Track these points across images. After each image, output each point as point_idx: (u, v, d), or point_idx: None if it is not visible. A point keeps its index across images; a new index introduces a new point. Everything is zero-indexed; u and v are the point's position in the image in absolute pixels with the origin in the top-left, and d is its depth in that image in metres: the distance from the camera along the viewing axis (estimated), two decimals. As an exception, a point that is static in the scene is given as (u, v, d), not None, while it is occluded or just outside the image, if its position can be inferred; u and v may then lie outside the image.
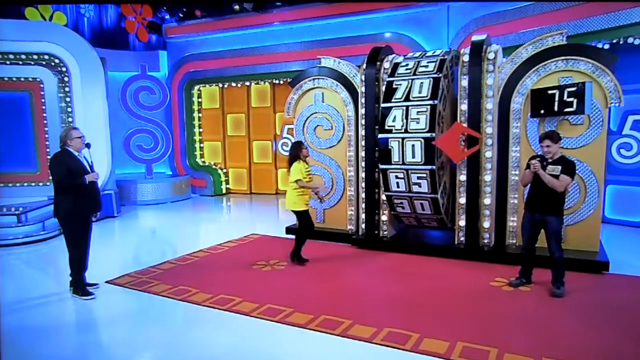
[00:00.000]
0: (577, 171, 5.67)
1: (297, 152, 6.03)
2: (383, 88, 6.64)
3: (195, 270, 6.05)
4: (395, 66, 6.69)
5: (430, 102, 6.12)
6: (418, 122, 6.14)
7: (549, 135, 4.81)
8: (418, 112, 6.17)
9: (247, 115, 13.03)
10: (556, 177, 4.70)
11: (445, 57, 6.46)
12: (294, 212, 6.13)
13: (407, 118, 6.22)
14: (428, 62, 6.47)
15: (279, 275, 5.81)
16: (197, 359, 3.80)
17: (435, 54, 6.70)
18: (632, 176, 7.87)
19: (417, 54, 7.02)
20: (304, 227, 6.21)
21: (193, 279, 5.60)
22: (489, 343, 3.83)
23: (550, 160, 4.80)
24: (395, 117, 6.30)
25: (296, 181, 5.92)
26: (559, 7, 7.70)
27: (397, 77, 6.52)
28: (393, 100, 6.37)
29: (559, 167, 4.72)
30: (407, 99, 6.28)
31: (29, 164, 9.51)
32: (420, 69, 6.43)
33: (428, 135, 6.06)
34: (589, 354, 3.69)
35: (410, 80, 6.38)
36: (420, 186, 6.25)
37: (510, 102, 6.04)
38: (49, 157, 8.05)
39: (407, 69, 6.54)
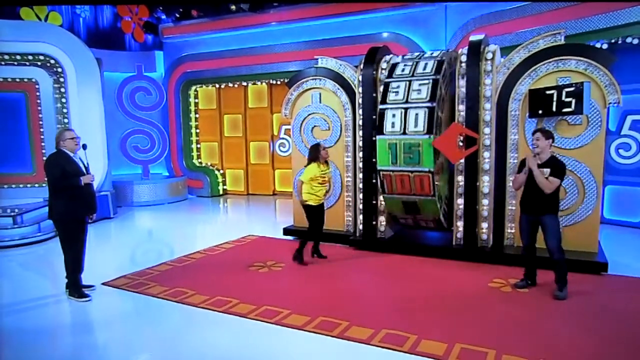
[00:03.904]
0: (575, 172, 5.73)
1: (315, 154, 6.08)
2: (381, 89, 6.61)
3: (192, 271, 6.01)
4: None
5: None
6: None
7: (541, 130, 4.91)
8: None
9: (244, 115, 13.00)
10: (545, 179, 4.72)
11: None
12: (303, 206, 6.16)
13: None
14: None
15: (276, 277, 5.77)
16: (193, 362, 3.76)
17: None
18: (631, 176, 7.86)
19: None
20: (310, 224, 6.22)
21: (190, 281, 5.56)
22: (487, 345, 3.81)
23: (540, 162, 4.79)
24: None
25: (302, 181, 6.05)
26: (557, 7, 7.69)
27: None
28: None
29: (548, 170, 4.73)
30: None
31: (25, 165, 9.45)
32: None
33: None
34: (586, 356, 3.66)
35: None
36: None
37: (508, 102, 6.02)
38: (44, 158, 7.99)
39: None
